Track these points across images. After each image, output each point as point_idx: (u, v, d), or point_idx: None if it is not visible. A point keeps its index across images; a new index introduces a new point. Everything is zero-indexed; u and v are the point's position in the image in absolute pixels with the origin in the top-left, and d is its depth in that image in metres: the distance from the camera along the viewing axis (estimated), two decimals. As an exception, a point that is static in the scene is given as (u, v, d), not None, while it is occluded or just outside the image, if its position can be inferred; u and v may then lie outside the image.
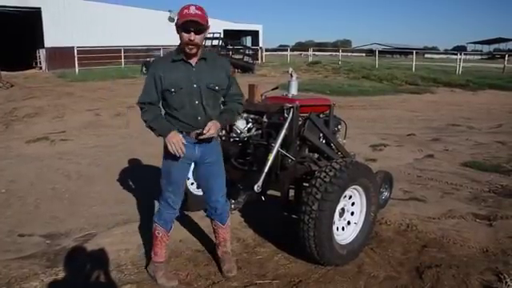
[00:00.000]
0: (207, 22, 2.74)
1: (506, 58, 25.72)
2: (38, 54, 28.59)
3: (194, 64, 2.82)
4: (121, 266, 3.36)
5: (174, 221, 3.17)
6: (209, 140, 2.88)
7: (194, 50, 2.75)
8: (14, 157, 6.83)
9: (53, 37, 26.81)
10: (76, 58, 23.70)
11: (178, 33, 2.74)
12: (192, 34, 2.68)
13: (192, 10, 2.68)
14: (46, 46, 27.20)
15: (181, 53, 2.80)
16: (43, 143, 7.84)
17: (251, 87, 4.13)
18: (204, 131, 2.76)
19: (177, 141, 2.73)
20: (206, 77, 2.82)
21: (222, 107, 3.01)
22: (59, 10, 27.26)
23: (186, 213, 4.16)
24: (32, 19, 27.73)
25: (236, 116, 3.14)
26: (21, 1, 25.50)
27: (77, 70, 23.30)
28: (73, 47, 24.02)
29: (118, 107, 11.90)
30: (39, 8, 26.66)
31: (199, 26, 2.69)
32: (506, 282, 3.01)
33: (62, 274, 3.24)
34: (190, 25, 2.67)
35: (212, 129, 2.75)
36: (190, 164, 3.02)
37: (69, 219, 4.33)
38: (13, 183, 5.43)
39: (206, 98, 2.82)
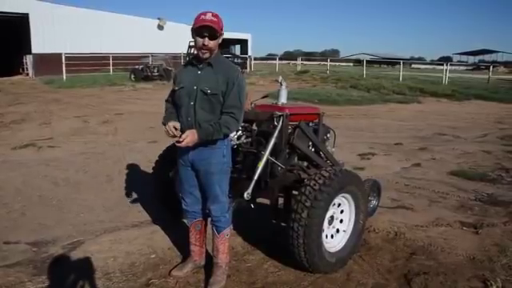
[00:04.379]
0: (222, 29, 2.87)
1: (491, 69, 26.26)
2: (24, 60, 28.31)
3: (200, 67, 2.92)
4: (109, 273, 3.33)
5: (202, 223, 3.34)
6: (196, 146, 2.86)
7: (206, 55, 2.87)
8: (-1, 163, 6.74)
9: (40, 43, 26.70)
10: (64, 65, 23.52)
11: (193, 37, 2.85)
12: (206, 39, 2.81)
13: (208, 16, 2.82)
14: (33, 52, 27.02)
15: (195, 57, 2.96)
16: (30, 149, 7.75)
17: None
18: (180, 138, 2.79)
19: (169, 126, 2.86)
20: (205, 80, 2.89)
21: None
22: (47, 16, 27.10)
23: (174, 220, 4.14)
24: (19, 25, 27.52)
25: (223, 130, 2.87)
26: (8, 6, 25.28)
27: (64, 77, 23.11)
28: (60, 54, 23.86)
29: (105, 114, 11.84)
30: (27, 14, 26.48)
31: (213, 32, 2.80)
32: (493, 289, 3.05)
33: (48, 282, 3.20)
34: (204, 30, 2.80)
35: (188, 138, 2.76)
36: (190, 168, 3.05)
37: (56, 226, 4.28)
38: (-2, 190, 5.35)
39: (199, 100, 2.89)
